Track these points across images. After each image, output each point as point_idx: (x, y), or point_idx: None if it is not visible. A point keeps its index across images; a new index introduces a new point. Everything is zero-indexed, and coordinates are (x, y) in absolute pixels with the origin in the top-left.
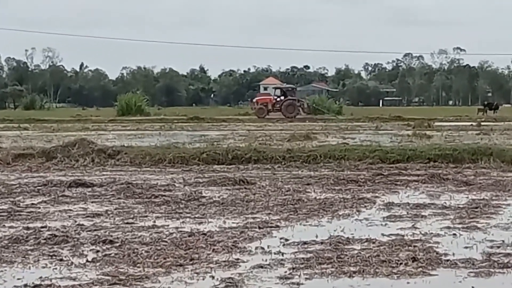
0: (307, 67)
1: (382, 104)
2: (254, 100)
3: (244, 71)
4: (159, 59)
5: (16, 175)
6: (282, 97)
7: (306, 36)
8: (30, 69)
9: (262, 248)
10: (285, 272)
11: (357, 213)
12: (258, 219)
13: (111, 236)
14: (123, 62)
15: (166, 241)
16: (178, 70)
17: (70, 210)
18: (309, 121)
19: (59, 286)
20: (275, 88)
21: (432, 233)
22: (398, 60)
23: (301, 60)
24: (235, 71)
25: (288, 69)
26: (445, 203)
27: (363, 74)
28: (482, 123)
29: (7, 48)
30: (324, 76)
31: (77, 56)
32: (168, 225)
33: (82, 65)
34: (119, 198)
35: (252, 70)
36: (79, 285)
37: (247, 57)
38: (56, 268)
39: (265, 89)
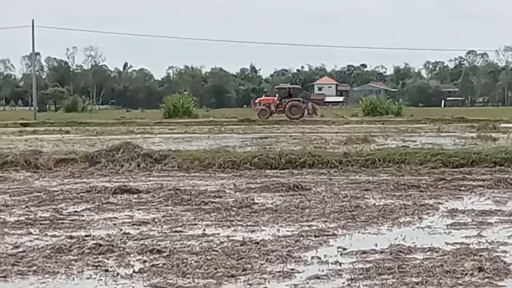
0: (364, 65)
1: (444, 105)
2: (256, 101)
3: (297, 70)
4: (207, 58)
5: (58, 181)
6: (287, 98)
7: (363, 34)
8: (71, 69)
9: (319, 257)
10: (343, 283)
11: (418, 220)
12: (314, 227)
13: (159, 245)
14: (169, 62)
15: (217, 251)
16: (228, 70)
17: (115, 218)
18: (314, 124)
19: None
20: (279, 88)
21: (499, 241)
22: (461, 58)
23: (357, 58)
24: (288, 70)
25: (343, 68)
26: None
27: (423, 73)
28: None
29: (48, 48)
30: (382, 75)
31: (121, 56)
32: (218, 234)
33: (126, 64)
34: (166, 205)
35: (306, 69)
36: None
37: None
38: (101, 279)
39: (320, 89)
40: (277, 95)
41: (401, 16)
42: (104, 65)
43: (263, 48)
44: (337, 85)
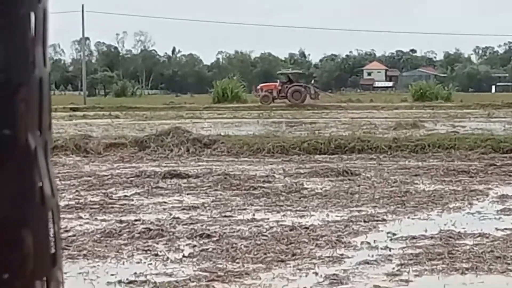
0: (413, 51)
1: (495, 90)
2: (258, 87)
3: (347, 55)
4: (256, 43)
5: (107, 166)
6: (288, 83)
7: (413, 18)
8: (121, 54)
9: (368, 243)
10: (393, 268)
11: (468, 206)
12: (363, 212)
13: (208, 230)
14: (218, 47)
15: (266, 236)
16: (277, 55)
17: (165, 202)
18: (317, 108)
19: (155, 282)
20: (281, 74)
21: None
22: (510, 43)
23: (407, 43)
24: (337, 55)
25: (393, 53)
26: None
27: (473, 58)
28: None
29: (97, 32)
30: (432, 60)
31: (170, 40)
32: (268, 219)
33: (174, 49)
34: (216, 190)
35: (355, 54)
36: (176, 281)
37: (349, 41)
38: (151, 264)
39: (369, 74)
40: (278, 80)
41: (451, 0)
42: (154, 50)
43: (312, 33)
44: (386, 70)
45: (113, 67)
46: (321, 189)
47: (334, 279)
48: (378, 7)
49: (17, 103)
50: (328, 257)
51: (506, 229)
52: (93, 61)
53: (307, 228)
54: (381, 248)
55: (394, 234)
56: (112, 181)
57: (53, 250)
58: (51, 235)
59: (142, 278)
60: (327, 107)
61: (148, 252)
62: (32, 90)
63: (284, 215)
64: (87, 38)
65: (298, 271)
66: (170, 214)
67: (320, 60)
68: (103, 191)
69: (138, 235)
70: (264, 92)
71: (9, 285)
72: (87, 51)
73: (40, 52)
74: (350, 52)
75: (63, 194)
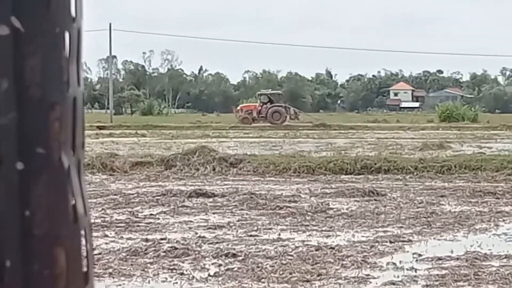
0: (440, 71)
1: None
2: (238, 108)
3: (373, 75)
4: (283, 62)
5: (133, 184)
6: (268, 104)
7: (440, 39)
8: (147, 73)
9: (394, 263)
10: None
11: (495, 227)
12: (389, 233)
13: (234, 249)
14: (245, 66)
15: (292, 255)
16: (303, 74)
17: (191, 221)
18: (300, 128)
19: None
20: (260, 95)
21: None
22: None
23: (434, 64)
24: (363, 75)
25: (419, 73)
26: None
27: (500, 79)
28: None
29: (124, 51)
30: (458, 81)
31: (197, 59)
32: (293, 238)
33: (201, 68)
34: (241, 209)
35: (382, 74)
36: None
37: (376, 61)
38: (176, 283)
39: (396, 94)
40: (258, 101)
41: (478, 21)
42: (180, 68)
43: (338, 53)
44: (413, 90)
45: (139, 85)
46: (347, 209)
47: None
48: (404, 27)
49: (51, 122)
50: (354, 277)
51: None
52: (120, 79)
53: (333, 248)
54: (407, 269)
55: (420, 255)
56: (138, 200)
57: (85, 269)
58: (84, 254)
59: None
60: (353, 127)
61: (174, 270)
62: (66, 109)
63: (309, 235)
64: (114, 57)
65: None
66: (196, 233)
67: (347, 80)
68: (129, 209)
69: (164, 253)
70: (244, 113)
71: None
72: (114, 70)
73: (74, 71)
74: (378, 72)
75: (89, 212)
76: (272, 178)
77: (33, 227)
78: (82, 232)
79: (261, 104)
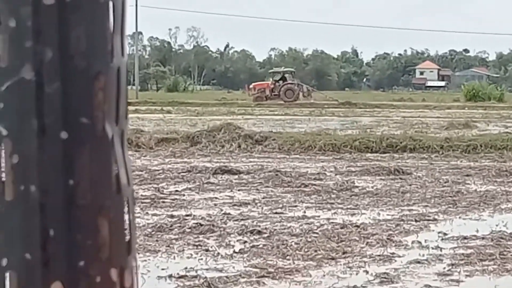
0: (466, 50)
1: None
2: (251, 86)
3: (399, 54)
4: (309, 40)
5: (159, 160)
6: (281, 82)
7: (467, 18)
8: (173, 49)
9: (419, 242)
10: (444, 268)
11: None
12: (415, 212)
13: (259, 226)
14: (271, 43)
15: (317, 233)
16: (329, 53)
17: (216, 198)
18: (310, 106)
19: (205, 277)
20: (273, 73)
21: None
22: None
23: (460, 43)
24: (389, 54)
25: (445, 52)
26: None
27: None
28: None
29: (150, 27)
30: (484, 60)
31: (223, 36)
32: (319, 216)
33: (227, 45)
34: (267, 187)
35: (408, 53)
36: (226, 277)
37: (402, 39)
38: (201, 259)
39: (421, 73)
40: (271, 79)
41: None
42: (206, 45)
43: (364, 31)
44: (439, 69)
45: (165, 62)
46: (372, 187)
47: (385, 278)
48: (431, 6)
49: (95, 92)
50: (379, 255)
51: None
52: (146, 56)
53: (358, 226)
54: (432, 248)
55: (445, 234)
56: (163, 176)
57: (128, 239)
58: (126, 224)
59: (193, 273)
60: (378, 105)
61: (199, 247)
62: (110, 79)
63: (335, 213)
64: (140, 33)
65: (348, 269)
66: (221, 210)
67: (373, 59)
68: (155, 185)
69: (189, 230)
70: (257, 92)
71: (85, 273)
72: (139, 46)
73: (118, 41)
74: (404, 50)
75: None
76: (297, 156)
77: (77, 197)
78: (125, 202)
79: (273, 82)
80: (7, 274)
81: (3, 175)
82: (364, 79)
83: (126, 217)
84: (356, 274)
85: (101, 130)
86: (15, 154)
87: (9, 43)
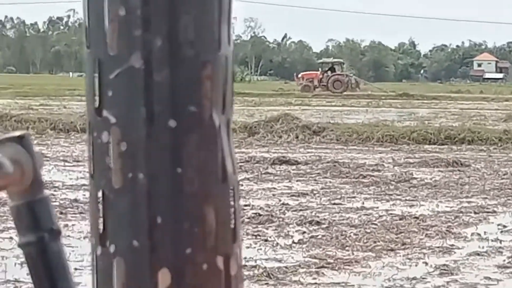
0: None
1: None
2: (300, 75)
3: (457, 45)
4: (366, 31)
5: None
6: (329, 72)
7: None
8: None
9: (478, 234)
10: (504, 260)
11: None
12: (474, 204)
13: (318, 217)
14: (328, 34)
15: (376, 224)
16: (386, 44)
17: (274, 188)
18: (367, 97)
19: (265, 267)
20: (322, 63)
21: None
22: None
23: None
24: (447, 45)
25: (503, 44)
26: None
27: None
28: None
29: None
30: None
31: (279, 27)
32: (377, 207)
33: (285, 36)
34: (325, 177)
35: (466, 44)
36: (285, 267)
37: (460, 31)
38: (260, 249)
39: (479, 65)
40: (320, 69)
41: None
42: (263, 36)
43: (422, 22)
44: (496, 61)
45: None
46: (430, 179)
47: (444, 270)
48: None
49: (203, 80)
50: (438, 247)
51: None
52: None
53: (417, 217)
54: (492, 240)
55: (504, 226)
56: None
57: (233, 226)
58: (232, 212)
59: (252, 263)
60: (436, 97)
61: (258, 237)
62: (218, 67)
63: (393, 204)
64: None
65: (408, 260)
66: (280, 200)
67: (430, 50)
68: None
69: (248, 220)
70: (305, 81)
71: (192, 260)
72: None
73: (226, 30)
74: (462, 42)
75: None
76: (355, 147)
77: (184, 184)
78: (231, 190)
79: (322, 72)
80: (115, 261)
81: (111, 162)
82: (422, 71)
83: (232, 205)
84: (416, 265)
85: (208, 119)
86: (123, 142)
87: (119, 31)
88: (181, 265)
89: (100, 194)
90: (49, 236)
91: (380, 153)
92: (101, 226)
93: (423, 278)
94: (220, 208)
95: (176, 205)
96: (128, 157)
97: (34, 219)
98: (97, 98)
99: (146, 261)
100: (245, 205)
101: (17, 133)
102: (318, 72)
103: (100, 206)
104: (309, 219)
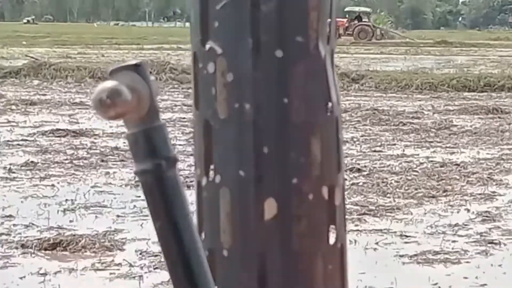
0: None
1: None
2: None
3: None
4: None
5: None
6: (356, 21)
7: None
8: None
9: None
10: None
11: None
12: None
13: (358, 164)
14: None
15: (416, 171)
16: None
17: None
18: (405, 44)
19: None
20: (349, 11)
21: None
22: None
23: None
24: None
25: None
26: None
27: None
28: None
29: None
30: None
31: None
32: (418, 154)
33: None
34: (364, 125)
35: None
36: None
37: None
38: None
39: None
40: (346, 17)
41: None
42: None
43: None
44: None
45: None
46: (470, 126)
47: (486, 217)
48: None
49: (310, 11)
50: (480, 194)
51: None
52: None
53: (458, 165)
54: None
55: None
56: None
57: (337, 157)
58: (336, 142)
59: None
60: (475, 44)
61: None
62: None
63: (434, 151)
64: None
65: (449, 207)
66: None
67: None
68: None
69: None
70: None
71: (298, 190)
72: None
73: None
74: None
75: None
76: (394, 94)
77: (291, 115)
78: (335, 121)
79: (349, 20)
80: (221, 191)
81: (217, 93)
82: (460, 18)
83: (336, 135)
84: (457, 212)
85: (314, 49)
86: (230, 73)
87: None
88: (287, 195)
89: (204, 124)
90: (166, 164)
91: (419, 100)
92: (206, 157)
93: (465, 225)
94: (325, 138)
95: (282, 135)
96: (234, 87)
97: (151, 146)
98: (203, 29)
99: (252, 191)
100: None
101: (134, 62)
102: (345, 20)
103: (205, 137)
104: (350, 166)
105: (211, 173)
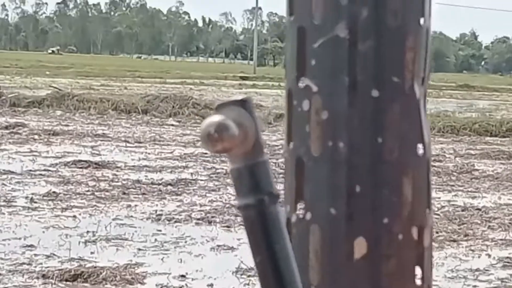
0: None
1: None
2: None
3: None
4: None
5: (277, 136)
6: None
7: None
8: None
9: None
10: None
11: None
12: None
13: None
14: None
15: (438, 214)
16: (448, 34)
17: None
18: (443, 88)
19: None
20: None
21: None
22: None
23: None
24: (509, 38)
25: None
26: None
27: None
28: None
29: (269, 3)
30: None
31: None
32: (439, 198)
33: None
34: None
35: None
36: None
37: None
38: None
39: None
40: None
41: None
42: None
43: (484, 13)
44: None
45: (283, 38)
46: (492, 171)
47: (508, 262)
48: None
49: (406, 51)
50: (501, 239)
51: None
52: (264, 31)
53: (479, 209)
54: None
55: None
56: (282, 151)
57: (426, 197)
58: (426, 183)
59: None
60: (497, 89)
61: None
62: (420, 39)
63: (455, 195)
64: (260, 8)
65: (470, 251)
66: None
67: (492, 42)
68: (274, 160)
69: None
70: None
71: (388, 230)
72: (258, 21)
73: (428, 2)
74: None
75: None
76: None
77: (384, 154)
78: (427, 162)
79: None
80: (311, 228)
81: (311, 130)
82: (482, 62)
83: (427, 176)
84: (479, 257)
85: (410, 89)
86: (325, 110)
87: (324, 1)
88: (377, 234)
89: (297, 161)
90: (268, 199)
91: (441, 143)
92: (297, 193)
93: (486, 270)
94: (416, 178)
95: (375, 174)
96: (328, 125)
97: (254, 182)
98: (299, 66)
99: (343, 229)
100: None
101: (240, 97)
102: None
103: (297, 173)
104: None
105: (302, 210)
